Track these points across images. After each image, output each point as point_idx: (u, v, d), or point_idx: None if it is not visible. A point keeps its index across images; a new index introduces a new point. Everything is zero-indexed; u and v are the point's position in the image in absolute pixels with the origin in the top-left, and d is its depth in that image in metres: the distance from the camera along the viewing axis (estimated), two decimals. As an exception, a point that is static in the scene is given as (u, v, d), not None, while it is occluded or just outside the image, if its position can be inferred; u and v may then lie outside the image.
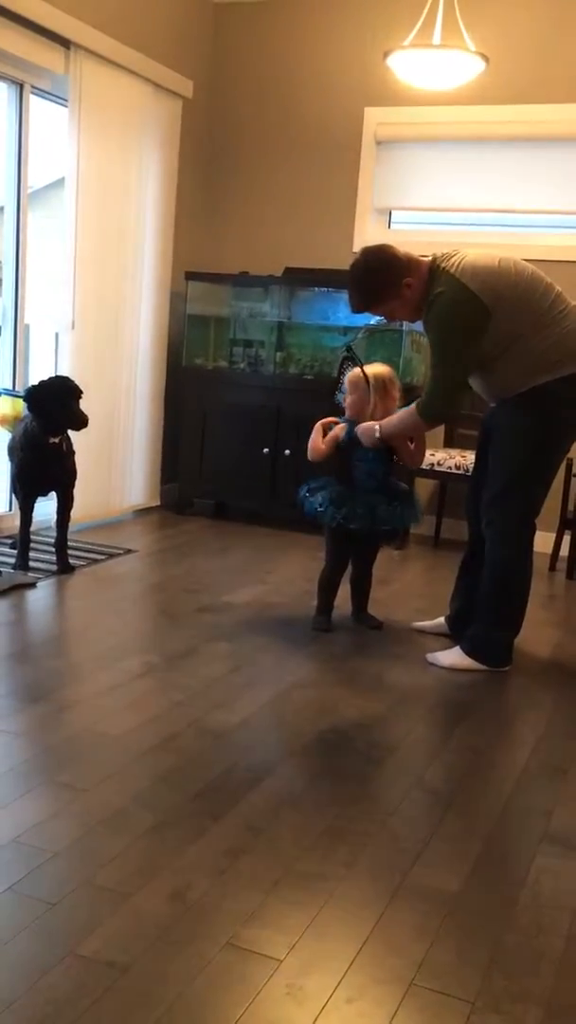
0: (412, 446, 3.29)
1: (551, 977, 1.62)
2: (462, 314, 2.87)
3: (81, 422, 3.72)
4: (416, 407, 3.05)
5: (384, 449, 3.24)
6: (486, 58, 3.88)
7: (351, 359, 3.34)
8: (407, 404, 3.28)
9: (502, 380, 2.98)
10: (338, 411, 3.41)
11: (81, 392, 3.74)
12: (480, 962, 1.64)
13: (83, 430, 3.79)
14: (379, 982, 1.57)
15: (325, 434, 3.33)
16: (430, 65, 3.92)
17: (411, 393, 3.40)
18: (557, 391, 2.90)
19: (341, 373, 3.39)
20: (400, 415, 3.15)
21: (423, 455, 3.34)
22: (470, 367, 2.97)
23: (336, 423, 3.33)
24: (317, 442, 3.33)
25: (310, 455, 3.35)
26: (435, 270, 2.93)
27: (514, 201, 4.83)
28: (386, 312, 3.08)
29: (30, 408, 3.69)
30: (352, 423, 3.27)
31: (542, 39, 4.64)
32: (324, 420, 3.35)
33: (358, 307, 3.09)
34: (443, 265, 2.91)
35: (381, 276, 2.97)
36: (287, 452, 4.80)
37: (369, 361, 3.41)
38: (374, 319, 3.51)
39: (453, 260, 2.91)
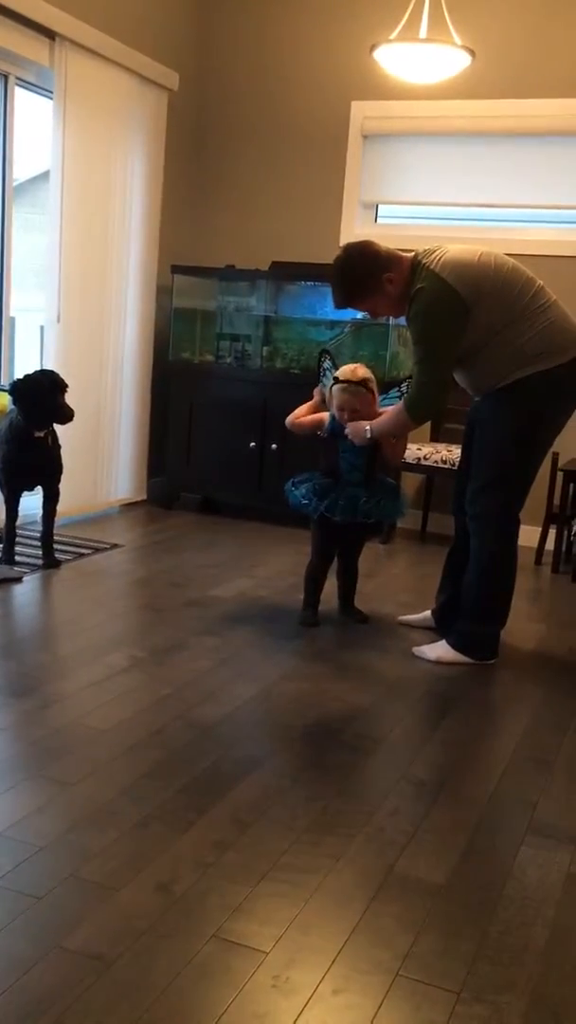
0: (394, 442, 3.31)
1: (536, 967, 1.63)
2: (442, 310, 2.88)
3: (66, 416, 3.71)
4: (404, 405, 3.06)
5: (370, 444, 3.25)
6: (472, 52, 3.89)
7: (329, 361, 3.38)
8: (384, 391, 3.32)
9: (484, 374, 2.99)
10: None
11: (66, 386, 3.73)
12: (465, 953, 1.65)
13: (69, 424, 3.77)
14: (365, 973, 1.58)
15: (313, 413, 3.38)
16: (416, 59, 3.92)
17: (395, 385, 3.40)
18: (539, 384, 2.91)
19: (321, 372, 3.40)
20: (389, 414, 3.16)
21: (404, 451, 3.38)
22: (452, 362, 2.99)
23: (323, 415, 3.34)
24: (301, 413, 3.40)
25: (288, 420, 3.42)
26: (416, 266, 2.94)
27: (501, 196, 4.84)
28: (369, 308, 3.09)
29: (15, 402, 3.67)
30: (334, 416, 3.29)
31: (529, 34, 4.65)
32: (314, 407, 3.37)
33: (341, 303, 3.10)
34: (424, 261, 2.92)
35: (362, 272, 2.98)
36: (274, 446, 4.80)
37: (356, 357, 3.42)
38: (360, 314, 3.51)
39: (434, 256, 2.92)
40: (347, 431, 3.22)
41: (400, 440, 3.32)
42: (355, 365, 3.32)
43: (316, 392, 3.41)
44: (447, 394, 3.06)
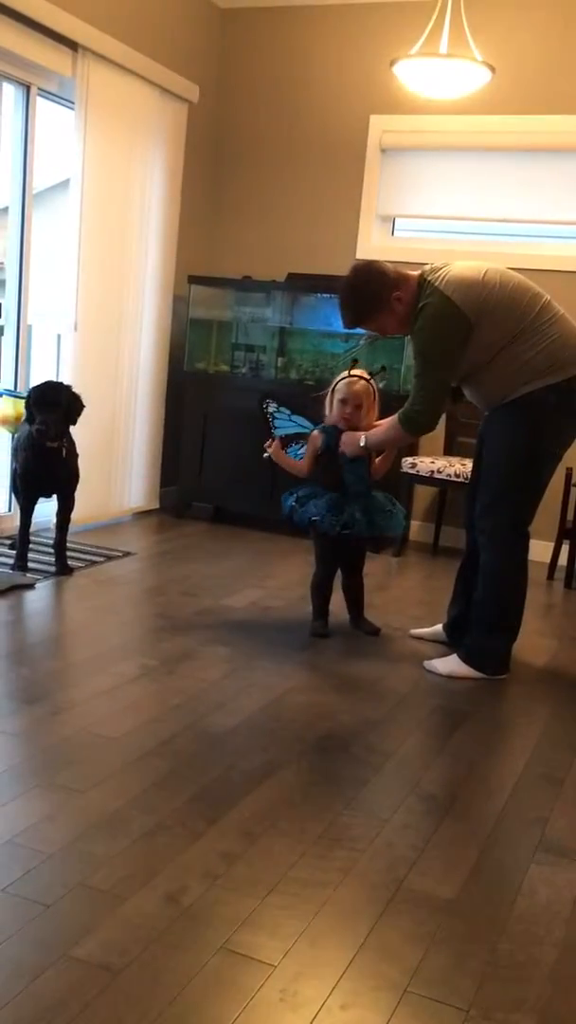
0: (377, 459, 3.36)
1: (545, 986, 1.62)
2: (444, 326, 2.90)
3: (42, 435, 3.65)
4: (398, 418, 3.07)
5: (364, 455, 3.27)
6: (492, 68, 3.90)
7: (274, 405, 3.42)
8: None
9: (493, 388, 3.00)
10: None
11: (60, 401, 3.66)
12: (474, 970, 1.64)
13: (84, 432, 3.78)
14: (373, 989, 1.57)
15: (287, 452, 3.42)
16: (436, 74, 3.93)
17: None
18: (547, 398, 2.91)
19: (270, 417, 3.44)
20: (385, 426, 3.17)
21: (389, 465, 3.40)
22: (451, 379, 3.01)
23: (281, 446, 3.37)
24: (295, 464, 3.38)
25: (298, 474, 3.38)
26: (423, 283, 2.96)
27: (518, 211, 4.84)
28: (378, 327, 3.11)
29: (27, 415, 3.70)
30: (330, 430, 3.28)
31: (548, 50, 4.66)
32: (275, 447, 3.38)
33: (350, 323, 3.14)
34: (430, 278, 2.95)
35: (371, 292, 3.00)
36: (265, 456, 4.78)
37: (372, 370, 3.42)
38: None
39: (439, 273, 2.94)
40: (343, 440, 3.24)
41: (387, 455, 3.34)
42: (349, 367, 3.36)
43: (309, 445, 3.37)
44: (442, 409, 3.07)
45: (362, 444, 3.20)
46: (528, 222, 4.90)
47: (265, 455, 3.41)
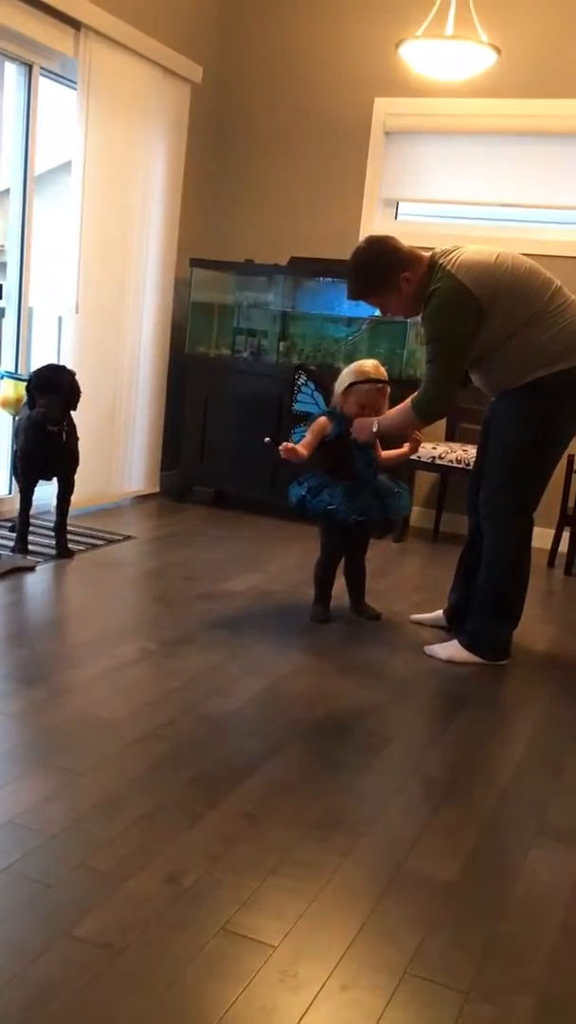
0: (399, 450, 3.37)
1: (544, 969, 1.62)
2: (455, 311, 2.87)
3: (48, 419, 3.65)
4: (411, 404, 3.05)
5: (373, 440, 3.26)
6: (498, 50, 3.87)
7: (305, 377, 3.37)
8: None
9: (501, 374, 2.98)
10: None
11: (62, 386, 3.66)
12: (474, 953, 1.64)
13: (85, 414, 3.77)
14: (373, 971, 1.57)
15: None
16: (442, 56, 3.90)
17: (413, 386, 3.39)
18: (555, 385, 2.90)
19: (297, 390, 3.40)
20: (398, 411, 3.14)
21: (408, 455, 3.41)
22: (464, 364, 2.98)
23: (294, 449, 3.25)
24: (296, 450, 3.23)
25: (295, 459, 3.25)
26: (434, 266, 2.93)
27: (523, 195, 4.81)
28: (381, 304, 3.08)
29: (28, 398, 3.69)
30: (339, 416, 3.26)
31: (555, 32, 4.62)
32: (288, 448, 3.26)
33: (354, 295, 3.10)
34: (441, 261, 2.91)
35: (380, 267, 2.97)
36: (266, 440, 4.77)
37: (373, 354, 3.41)
38: (376, 310, 3.51)
39: (451, 256, 2.91)
40: (352, 430, 3.21)
41: (409, 448, 3.36)
42: (372, 362, 3.31)
43: (316, 427, 3.31)
44: (455, 395, 3.05)
45: (374, 430, 3.17)
46: (533, 207, 4.87)
47: (267, 440, 3.37)
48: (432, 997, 1.52)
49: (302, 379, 3.40)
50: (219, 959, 1.56)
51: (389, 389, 3.28)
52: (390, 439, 3.32)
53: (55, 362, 3.83)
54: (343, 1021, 1.45)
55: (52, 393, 3.64)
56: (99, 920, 1.62)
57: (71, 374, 3.74)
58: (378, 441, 3.31)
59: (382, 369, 3.29)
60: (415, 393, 3.05)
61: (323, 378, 3.43)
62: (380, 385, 3.24)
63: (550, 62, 4.64)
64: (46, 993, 1.44)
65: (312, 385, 3.39)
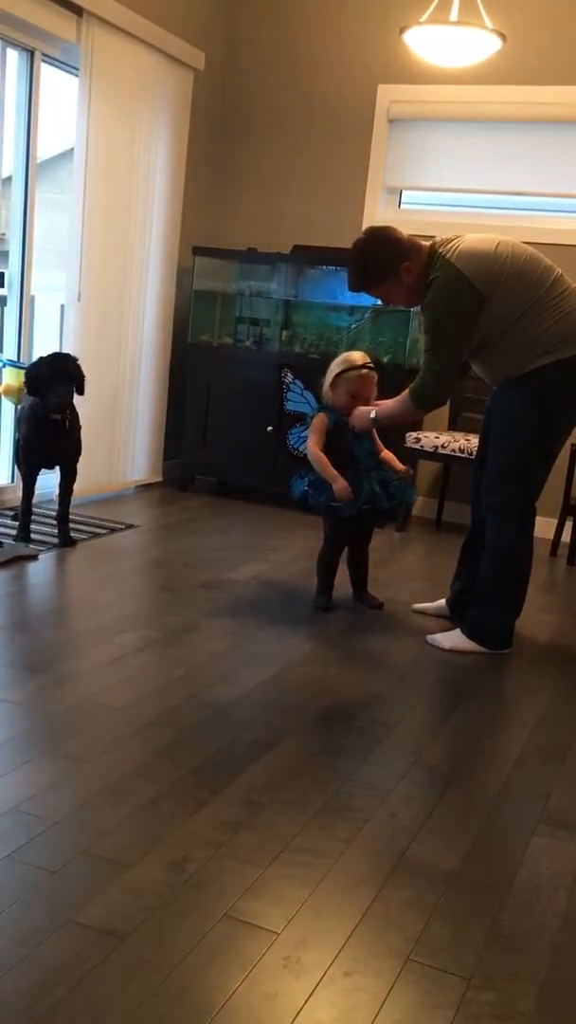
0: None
1: (546, 956, 1.63)
2: (455, 300, 2.87)
3: (58, 406, 3.65)
4: (408, 393, 3.05)
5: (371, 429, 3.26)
6: (503, 36, 3.84)
7: (291, 375, 3.37)
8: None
9: (501, 363, 2.97)
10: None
11: (73, 373, 3.67)
12: (476, 939, 1.65)
13: (87, 404, 3.77)
14: (376, 957, 1.58)
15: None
16: (446, 42, 3.88)
17: (416, 376, 3.39)
18: (556, 373, 2.89)
19: (285, 388, 3.40)
20: (396, 400, 3.14)
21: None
22: (462, 353, 2.98)
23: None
24: (318, 453, 3.25)
25: (317, 459, 3.26)
26: (434, 255, 2.93)
27: (527, 183, 4.79)
28: (382, 294, 3.07)
29: (25, 385, 3.68)
30: (334, 410, 3.26)
31: (560, 20, 4.59)
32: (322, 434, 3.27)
33: (355, 286, 3.10)
34: (441, 250, 2.91)
35: (380, 258, 2.97)
36: (268, 428, 4.78)
37: (376, 343, 3.40)
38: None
39: (451, 245, 2.91)
40: (350, 419, 3.21)
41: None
42: (359, 352, 3.31)
43: (318, 424, 3.30)
44: (453, 383, 3.04)
45: (372, 417, 3.17)
46: (537, 195, 4.85)
47: (269, 429, 3.37)
48: (435, 983, 1.53)
49: (289, 377, 3.41)
50: (223, 945, 1.57)
51: (376, 376, 3.27)
52: (388, 429, 3.32)
53: (55, 351, 3.82)
54: (346, 1007, 1.46)
55: (64, 380, 3.65)
56: (103, 906, 1.63)
57: (74, 359, 3.74)
58: (376, 432, 3.31)
59: (368, 359, 3.29)
60: (413, 382, 3.05)
61: (310, 375, 3.42)
62: (366, 371, 3.23)
63: (555, 49, 4.61)
64: (51, 979, 1.45)
65: (300, 383, 3.39)
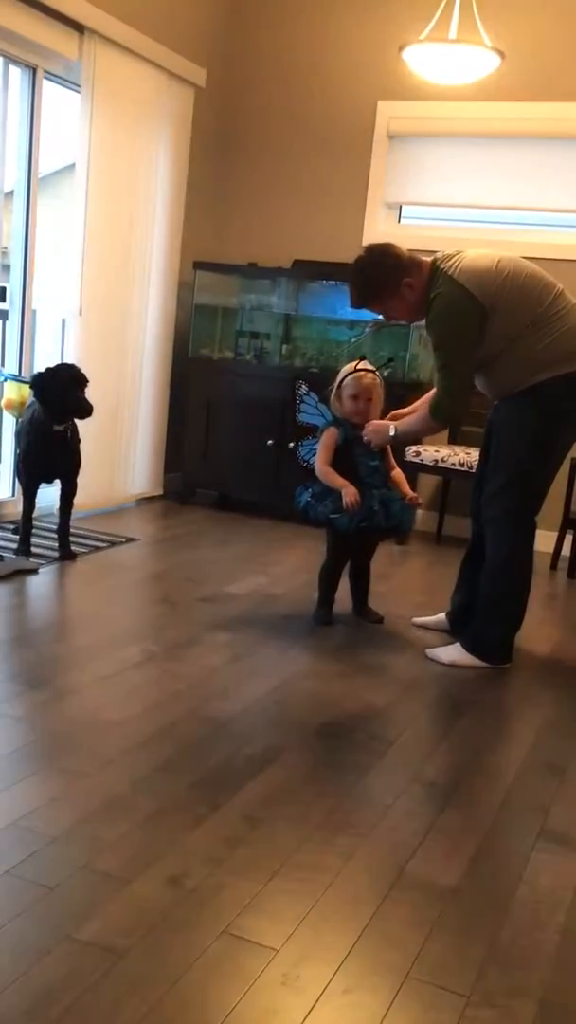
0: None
1: (546, 972, 1.62)
2: (459, 315, 2.89)
3: (85, 411, 3.71)
4: (428, 410, 3.06)
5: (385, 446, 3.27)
6: (502, 54, 3.87)
7: (306, 387, 3.38)
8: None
9: (503, 378, 2.99)
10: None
11: (86, 380, 3.74)
12: (476, 956, 1.65)
13: (88, 418, 3.78)
14: (375, 974, 1.58)
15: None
16: (445, 60, 3.91)
17: (416, 389, 3.40)
18: (557, 388, 2.90)
19: (299, 399, 3.41)
20: (416, 417, 3.15)
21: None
22: (472, 367, 2.99)
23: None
24: (326, 469, 3.27)
25: (325, 475, 3.28)
26: (435, 271, 2.94)
27: (526, 199, 4.82)
28: (384, 311, 3.09)
29: (36, 396, 3.69)
30: (345, 423, 3.27)
31: (558, 36, 4.63)
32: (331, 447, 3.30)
33: (357, 303, 3.12)
34: (442, 266, 2.93)
35: (381, 275, 2.99)
36: (291, 445, 4.78)
37: (376, 358, 3.42)
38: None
39: (452, 261, 2.92)
40: (365, 434, 3.22)
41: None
42: (355, 362, 3.34)
43: (327, 439, 3.31)
44: (469, 397, 3.06)
45: (391, 434, 3.18)
46: (537, 210, 4.88)
47: (269, 443, 3.39)
48: (434, 1000, 1.53)
49: (303, 389, 3.42)
50: (222, 962, 1.56)
51: (376, 378, 3.28)
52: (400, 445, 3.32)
53: (54, 363, 3.84)
54: (345, 1024, 1.46)
55: (79, 386, 3.68)
56: (102, 922, 1.63)
57: (77, 367, 3.76)
58: (391, 450, 3.31)
59: (367, 364, 3.32)
60: (431, 399, 3.06)
61: (320, 387, 3.45)
62: (360, 371, 3.24)
63: (554, 66, 4.64)
64: (49, 995, 1.45)
65: (315, 396, 3.40)
